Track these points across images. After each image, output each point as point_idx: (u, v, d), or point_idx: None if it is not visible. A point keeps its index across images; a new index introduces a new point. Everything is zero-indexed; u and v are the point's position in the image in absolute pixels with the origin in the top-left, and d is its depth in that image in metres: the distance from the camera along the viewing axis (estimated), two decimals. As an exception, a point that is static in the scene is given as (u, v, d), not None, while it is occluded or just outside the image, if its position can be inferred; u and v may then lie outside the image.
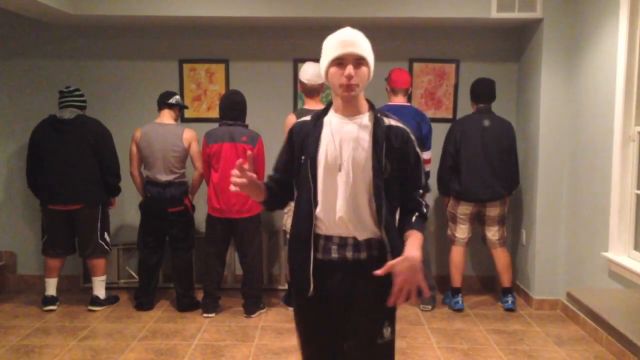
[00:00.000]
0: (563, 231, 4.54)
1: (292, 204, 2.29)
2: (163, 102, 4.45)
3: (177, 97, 4.51)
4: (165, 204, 4.38)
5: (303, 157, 2.16)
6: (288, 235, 4.49)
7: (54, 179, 4.35)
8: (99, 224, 4.47)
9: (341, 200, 2.10)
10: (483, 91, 4.51)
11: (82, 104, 4.47)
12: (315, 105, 4.40)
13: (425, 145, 4.48)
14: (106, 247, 4.55)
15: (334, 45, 2.06)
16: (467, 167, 4.44)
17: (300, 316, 2.29)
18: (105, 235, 4.54)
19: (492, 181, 4.42)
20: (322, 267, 2.15)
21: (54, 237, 4.47)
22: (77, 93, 4.44)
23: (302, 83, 4.35)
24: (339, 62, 2.04)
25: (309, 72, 4.31)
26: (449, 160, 4.52)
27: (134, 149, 4.45)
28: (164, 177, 4.37)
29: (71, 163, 4.34)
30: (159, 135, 4.36)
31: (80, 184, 4.36)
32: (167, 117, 4.44)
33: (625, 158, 3.72)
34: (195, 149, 4.46)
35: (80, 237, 4.49)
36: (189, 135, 4.43)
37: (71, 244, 4.55)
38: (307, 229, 2.14)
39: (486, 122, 4.45)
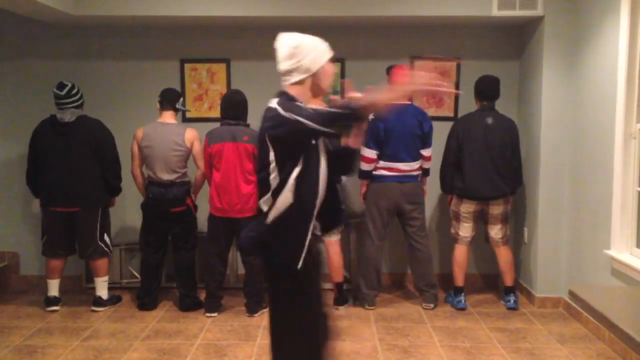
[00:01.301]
0: (565, 229, 4.54)
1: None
2: (169, 103, 4.44)
3: (182, 99, 4.52)
4: (167, 204, 4.38)
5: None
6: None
7: (54, 181, 4.35)
8: (98, 226, 4.47)
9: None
10: (487, 88, 4.50)
11: (79, 102, 4.43)
12: (317, 104, 4.38)
13: (427, 142, 4.49)
14: (106, 248, 4.54)
15: (326, 47, 2.42)
16: (470, 165, 4.43)
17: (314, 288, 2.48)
18: (105, 236, 4.54)
19: (495, 179, 4.42)
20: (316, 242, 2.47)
21: (53, 238, 4.47)
22: (73, 93, 4.37)
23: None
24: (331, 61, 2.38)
25: (311, 71, 4.32)
26: (452, 157, 4.51)
27: (136, 148, 4.45)
28: (166, 177, 4.37)
29: (71, 165, 4.33)
30: (161, 135, 4.36)
31: (80, 186, 4.35)
32: (169, 116, 4.44)
33: (627, 155, 3.72)
34: (197, 148, 4.46)
35: (80, 238, 4.49)
36: (191, 135, 4.44)
37: (71, 245, 4.55)
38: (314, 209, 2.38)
39: (489, 120, 4.45)
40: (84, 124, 4.37)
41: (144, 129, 4.42)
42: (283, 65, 2.44)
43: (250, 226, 2.45)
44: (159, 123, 4.42)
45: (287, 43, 2.43)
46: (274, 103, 2.37)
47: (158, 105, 4.49)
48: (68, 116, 4.34)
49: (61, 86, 4.38)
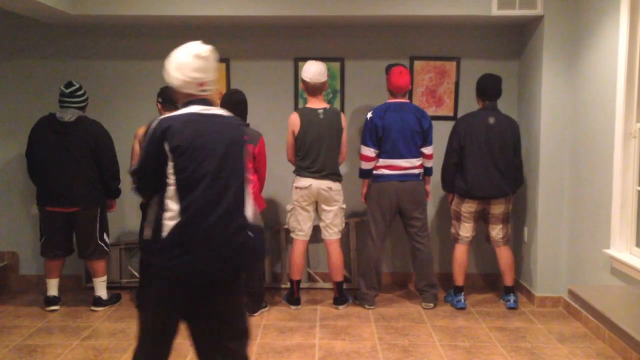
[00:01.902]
0: (565, 228, 4.54)
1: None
2: (172, 103, 4.42)
3: None
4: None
5: None
6: (291, 234, 4.52)
7: (52, 181, 4.34)
8: (97, 225, 4.46)
9: None
10: (489, 87, 4.49)
11: (83, 104, 4.44)
12: (317, 103, 4.40)
13: (427, 140, 4.49)
14: (106, 247, 4.54)
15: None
16: (472, 164, 4.42)
17: None
18: (105, 236, 4.53)
19: (497, 178, 4.41)
20: None
21: (51, 238, 4.45)
22: (78, 94, 4.38)
23: (304, 82, 4.37)
24: None
25: (311, 71, 4.33)
26: (454, 156, 4.51)
27: (137, 147, 4.44)
28: (167, 177, 4.36)
29: (69, 166, 4.32)
30: (165, 135, 4.34)
31: (78, 186, 4.34)
32: None
33: (626, 154, 3.72)
34: (201, 148, 4.45)
35: (80, 238, 4.48)
36: None
37: (69, 245, 4.54)
38: None
39: (491, 120, 4.44)
40: (83, 125, 4.35)
41: (146, 128, 4.40)
42: (214, 74, 2.50)
43: (255, 236, 2.51)
44: (161, 122, 4.41)
45: (213, 55, 2.47)
46: (226, 112, 2.51)
47: (159, 106, 4.48)
48: (68, 116, 4.33)
49: (68, 85, 4.40)
